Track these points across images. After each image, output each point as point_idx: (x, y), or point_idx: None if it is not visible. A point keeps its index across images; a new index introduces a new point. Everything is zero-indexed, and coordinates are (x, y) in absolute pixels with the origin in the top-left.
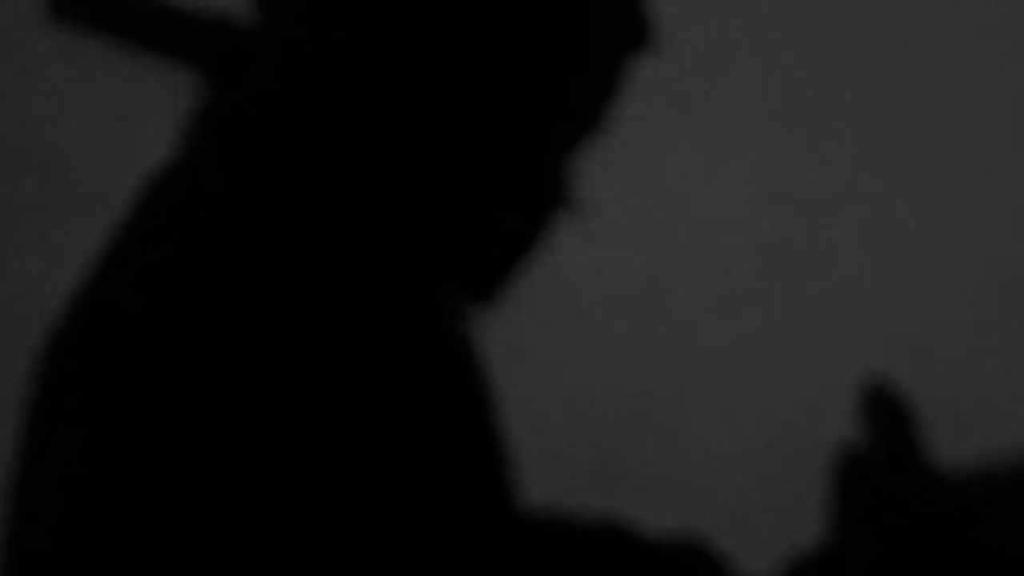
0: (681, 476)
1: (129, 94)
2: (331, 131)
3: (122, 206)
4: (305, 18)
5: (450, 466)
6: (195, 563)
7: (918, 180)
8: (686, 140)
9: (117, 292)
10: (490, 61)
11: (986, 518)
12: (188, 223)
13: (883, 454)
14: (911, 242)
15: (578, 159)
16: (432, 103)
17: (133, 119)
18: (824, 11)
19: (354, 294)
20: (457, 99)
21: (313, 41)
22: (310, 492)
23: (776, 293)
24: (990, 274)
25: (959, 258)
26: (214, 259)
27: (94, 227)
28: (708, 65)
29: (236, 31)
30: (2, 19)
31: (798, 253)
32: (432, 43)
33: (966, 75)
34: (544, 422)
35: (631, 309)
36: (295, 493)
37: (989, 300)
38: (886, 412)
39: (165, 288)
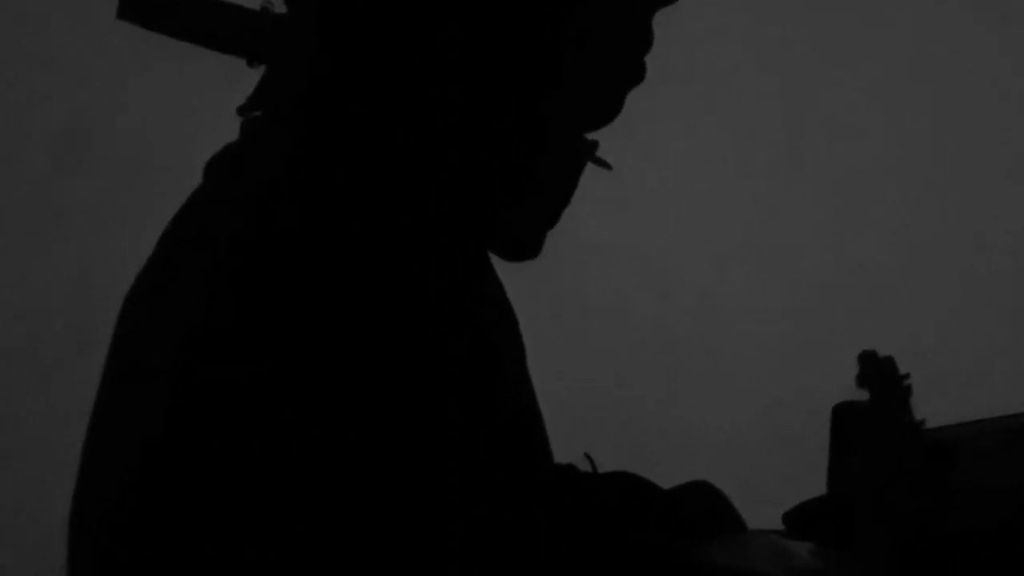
0: (674, 464)
1: (190, 85)
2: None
3: (185, 187)
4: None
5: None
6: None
7: (915, 176)
8: (678, 134)
9: (181, 271)
10: (500, 56)
11: (978, 470)
12: (250, 202)
13: (874, 413)
14: (908, 236)
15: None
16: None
17: (196, 109)
18: (822, 10)
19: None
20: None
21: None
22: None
23: (771, 285)
24: (989, 268)
25: (957, 251)
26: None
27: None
28: (705, 64)
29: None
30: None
31: (795, 245)
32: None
33: (962, 78)
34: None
35: (624, 303)
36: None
37: (988, 293)
38: (880, 381)
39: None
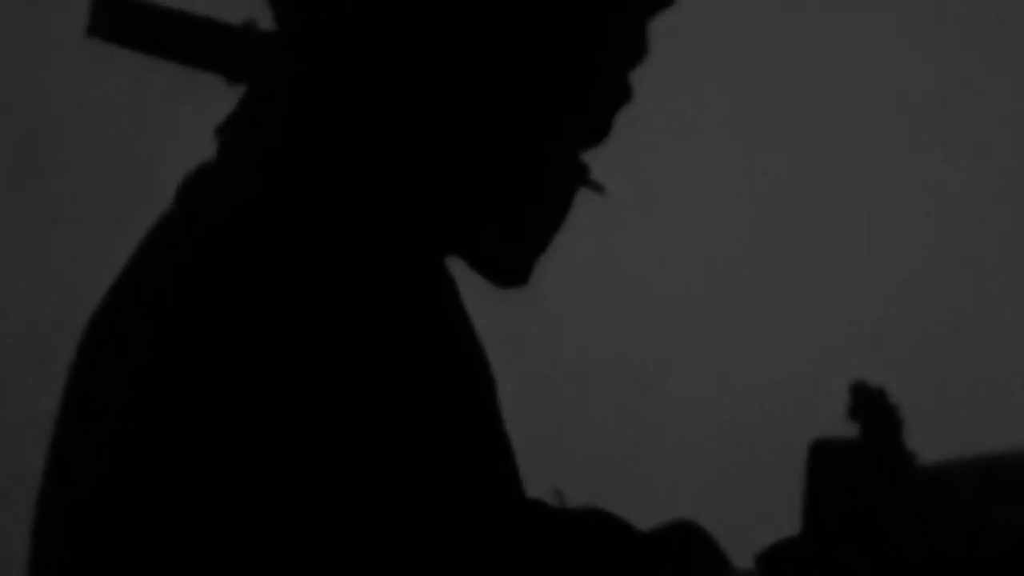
0: (659, 466)
1: (159, 99)
2: (358, 127)
3: (156, 206)
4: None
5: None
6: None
7: (909, 172)
8: (672, 132)
9: (152, 289)
10: (503, 57)
11: (964, 510)
12: (228, 220)
13: (865, 448)
14: (899, 233)
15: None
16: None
17: (162, 123)
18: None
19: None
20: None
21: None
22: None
23: (758, 283)
24: (981, 267)
25: (948, 249)
26: (248, 259)
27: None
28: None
29: (260, 36)
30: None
31: (782, 244)
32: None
33: (962, 74)
34: (522, 409)
35: (610, 299)
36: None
37: (979, 292)
38: (871, 408)
39: (200, 289)
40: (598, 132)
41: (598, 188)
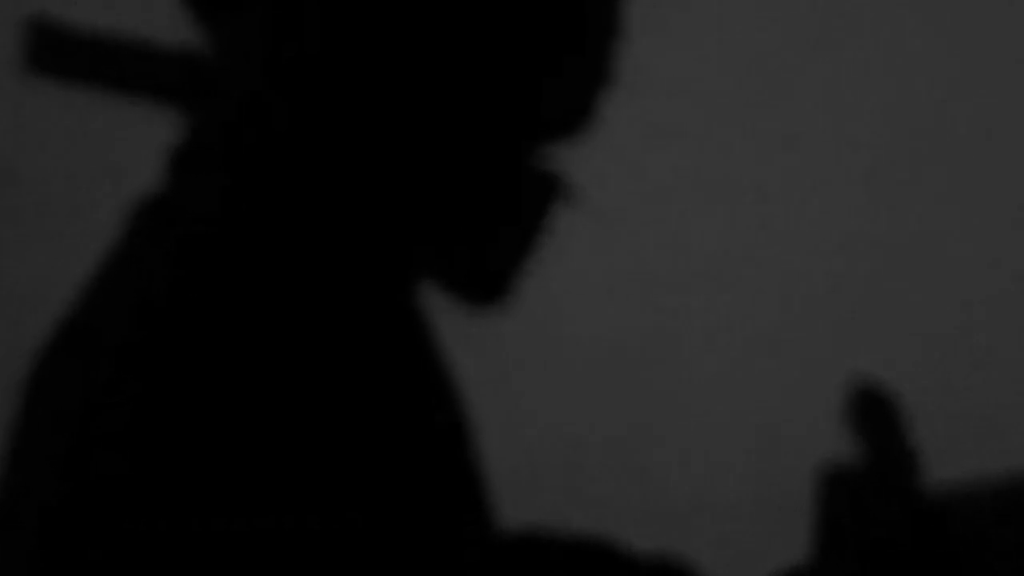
0: (662, 496)
1: (109, 125)
2: (317, 141)
3: (107, 231)
4: (275, 35)
5: (428, 485)
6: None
7: (907, 188)
8: (664, 148)
9: (108, 316)
10: (476, 63)
11: (974, 535)
12: (182, 247)
13: (870, 468)
14: (900, 258)
15: (565, 164)
16: (418, 107)
17: (113, 151)
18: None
19: (347, 307)
20: (445, 101)
21: (288, 55)
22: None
23: (760, 310)
24: (986, 284)
25: (951, 269)
26: (211, 282)
27: (75, 250)
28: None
29: (207, 62)
30: None
31: (782, 271)
32: (414, 46)
33: (964, 72)
34: (520, 440)
35: (610, 330)
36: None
37: (985, 311)
38: (875, 419)
39: (160, 310)
40: (579, 115)
41: (574, 201)
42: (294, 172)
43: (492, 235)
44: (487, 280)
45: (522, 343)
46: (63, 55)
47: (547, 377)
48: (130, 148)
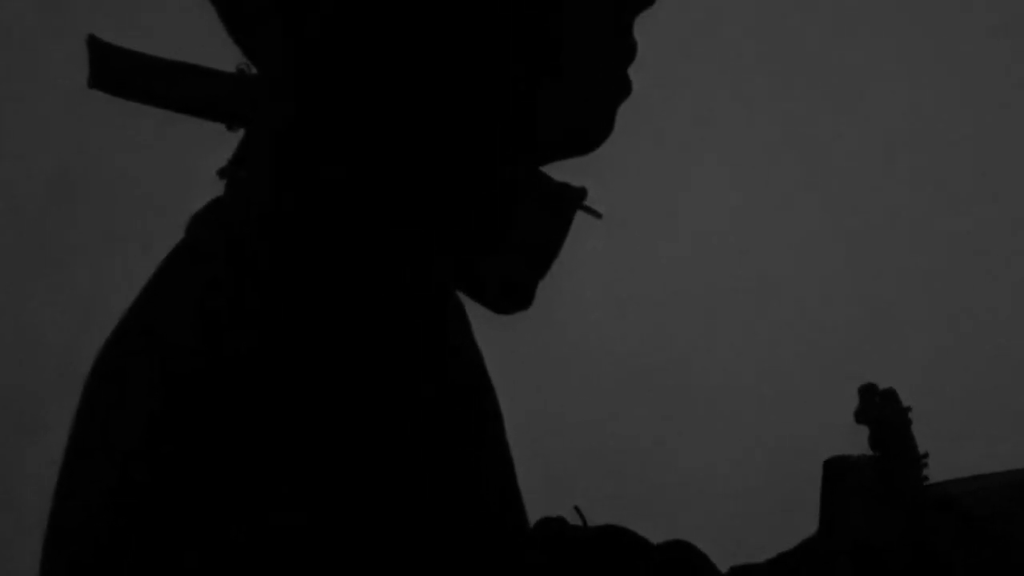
0: (677, 483)
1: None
2: (355, 149)
3: (163, 241)
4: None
5: (463, 484)
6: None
7: (916, 202)
8: (674, 160)
9: (164, 323)
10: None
11: (978, 532)
12: (235, 257)
13: (873, 451)
14: (915, 276)
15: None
16: (444, 117)
17: (168, 163)
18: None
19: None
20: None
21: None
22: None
23: (773, 299)
24: (998, 295)
25: (962, 280)
26: (268, 285)
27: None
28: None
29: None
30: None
31: (792, 283)
32: (435, 58)
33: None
34: (539, 440)
35: (625, 333)
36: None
37: (996, 322)
38: (880, 414)
39: (219, 316)
40: (598, 129)
41: (595, 213)
42: (333, 184)
43: (515, 246)
44: (510, 290)
45: (536, 352)
46: (122, 71)
47: (563, 384)
48: (183, 162)
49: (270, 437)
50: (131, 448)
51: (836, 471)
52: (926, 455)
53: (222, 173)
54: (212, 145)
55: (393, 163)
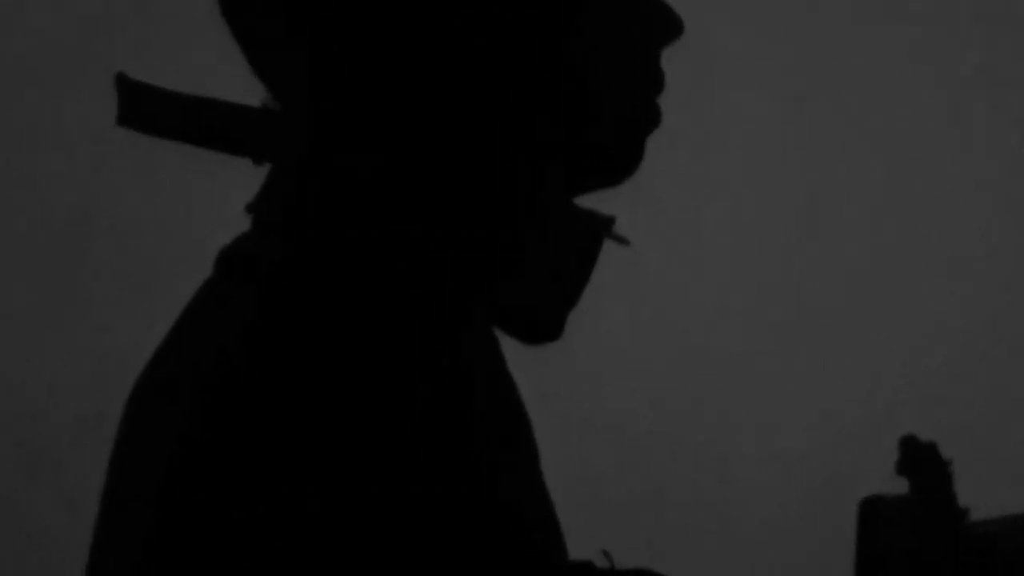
0: (708, 525)
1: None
2: (371, 188)
3: (188, 280)
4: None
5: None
6: None
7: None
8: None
9: (193, 359)
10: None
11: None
12: (262, 293)
13: (915, 505)
14: (946, 320)
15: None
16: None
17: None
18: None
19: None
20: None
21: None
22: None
23: (802, 332)
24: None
25: (992, 291)
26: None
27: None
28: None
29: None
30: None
31: (827, 291)
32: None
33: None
34: (570, 468)
35: (645, 389)
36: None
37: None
38: (921, 463)
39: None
40: (627, 160)
41: (623, 240)
42: (354, 217)
43: (543, 277)
44: (540, 321)
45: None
46: (149, 110)
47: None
48: (211, 199)
49: (293, 479)
50: (164, 473)
51: (872, 512)
52: (967, 510)
53: (249, 208)
54: (240, 181)
55: (417, 193)
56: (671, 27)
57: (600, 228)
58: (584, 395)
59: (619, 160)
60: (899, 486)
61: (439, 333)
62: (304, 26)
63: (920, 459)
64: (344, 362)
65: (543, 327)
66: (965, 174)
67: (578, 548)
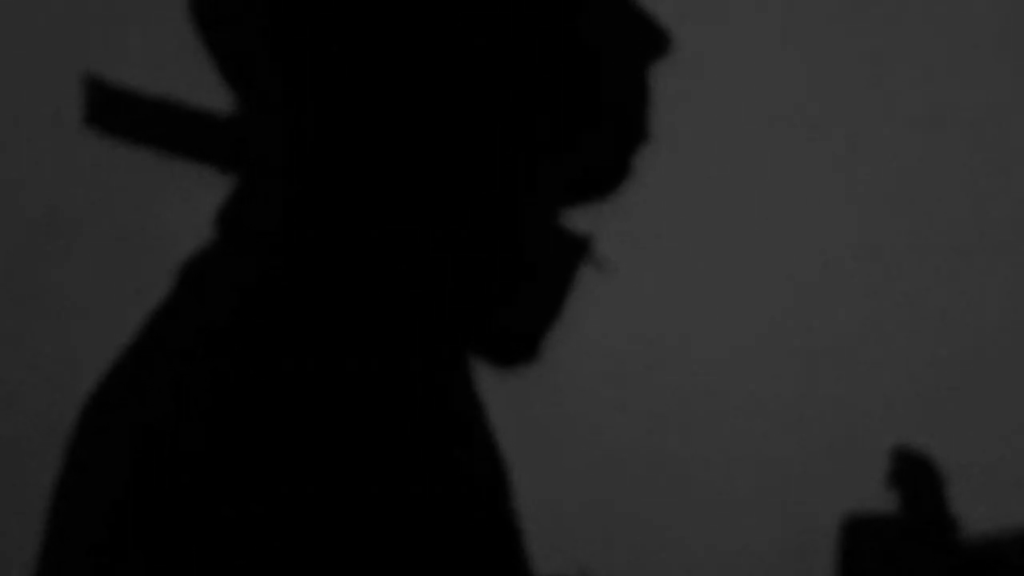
0: (689, 538)
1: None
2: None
3: (152, 287)
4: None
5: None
6: None
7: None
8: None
9: (156, 363)
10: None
11: None
12: (227, 301)
13: (906, 516)
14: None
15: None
16: (448, 160)
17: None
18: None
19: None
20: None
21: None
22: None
23: (789, 359)
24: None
25: (980, 326)
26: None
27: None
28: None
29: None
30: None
31: (802, 343)
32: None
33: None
34: (552, 483)
35: (637, 383)
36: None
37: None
38: (915, 479)
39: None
40: (614, 176)
41: (604, 265)
42: (332, 239)
43: (521, 298)
44: (515, 343)
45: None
46: (116, 112)
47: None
48: (178, 206)
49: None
50: (129, 474)
51: (854, 528)
52: (957, 520)
53: (218, 218)
54: (203, 187)
55: (410, 203)
56: (660, 43)
57: (579, 249)
58: (560, 403)
59: (607, 176)
60: (885, 497)
61: (429, 351)
62: (294, 29)
63: (912, 470)
64: (332, 373)
65: (518, 350)
66: (966, 173)
67: (554, 558)
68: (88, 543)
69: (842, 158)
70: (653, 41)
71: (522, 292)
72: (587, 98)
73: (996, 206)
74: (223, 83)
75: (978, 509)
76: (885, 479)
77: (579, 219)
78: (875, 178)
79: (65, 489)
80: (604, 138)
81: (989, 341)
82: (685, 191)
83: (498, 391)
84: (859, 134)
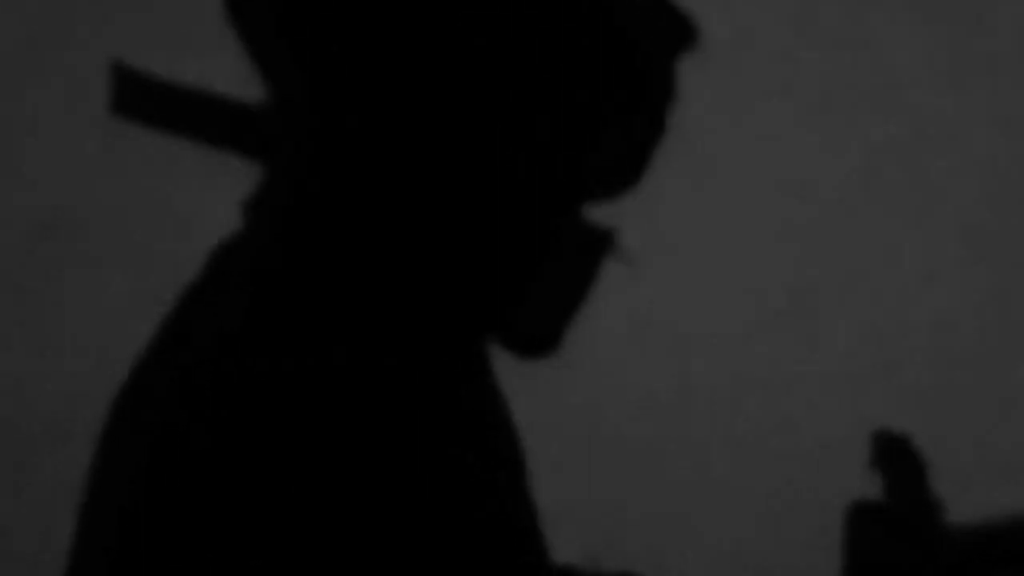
0: (695, 531)
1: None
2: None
3: (181, 281)
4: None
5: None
6: None
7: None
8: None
9: (182, 355)
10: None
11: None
12: (255, 289)
13: (889, 497)
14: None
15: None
16: (467, 162)
17: (188, 195)
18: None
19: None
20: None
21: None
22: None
23: (781, 367)
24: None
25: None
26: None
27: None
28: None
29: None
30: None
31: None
32: (459, 103)
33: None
34: (556, 472)
35: (631, 400)
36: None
37: (1004, 358)
38: (895, 462)
39: (225, 359)
40: (633, 171)
41: (626, 256)
42: (351, 224)
43: (542, 290)
44: (537, 334)
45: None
46: (143, 99)
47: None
48: (204, 194)
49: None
50: (146, 475)
51: (857, 515)
52: (940, 503)
53: (244, 207)
54: (224, 178)
55: (421, 198)
56: (687, 35)
57: (603, 243)
58: (575, 398)
59: (626, 173)
60: (873, 481)
61: (435, 348)
62: (304, 26)
63: (893, 452)
64: (339, 371)
65: (540, 342)
66: (961, 176)
67: (566, 550)
68: (104, 543)
69: (849, 152)
70: (683, 33)
71: (545, 284)
72: (623, 89)
73: (997, 205)
74: (254, 73)
75: (968, 498)
76: (868, 462)
77: (600, 213)
78: (874, 176)
79: (91, 485)
80: (633, 130)
81: (989, 340)
82: (692, 182)
83: (509, 381)
84: (862, 134)
